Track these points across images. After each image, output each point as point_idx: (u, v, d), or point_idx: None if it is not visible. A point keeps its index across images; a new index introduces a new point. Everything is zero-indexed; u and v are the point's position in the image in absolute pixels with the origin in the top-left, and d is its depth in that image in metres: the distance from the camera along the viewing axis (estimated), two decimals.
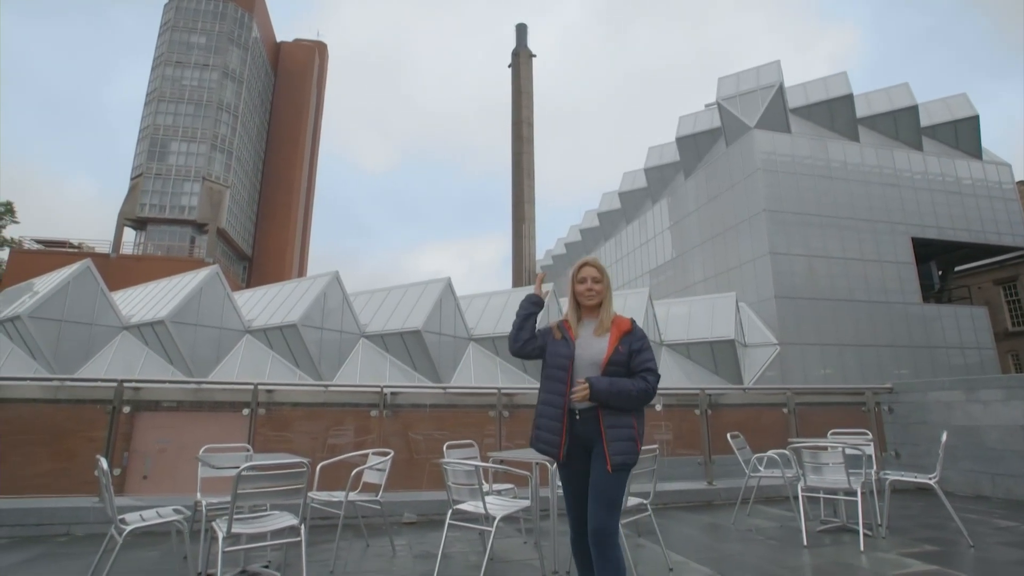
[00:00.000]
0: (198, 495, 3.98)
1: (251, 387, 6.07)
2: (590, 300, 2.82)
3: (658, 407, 7.21)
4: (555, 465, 2.79)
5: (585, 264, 2.88)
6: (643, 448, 2.82)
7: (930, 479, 4.73)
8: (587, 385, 2.61)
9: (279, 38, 73.63)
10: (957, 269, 32.87)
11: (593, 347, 2.73)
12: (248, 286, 52.58)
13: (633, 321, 2.83)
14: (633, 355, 2.71)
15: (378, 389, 6.48)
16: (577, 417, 2.70)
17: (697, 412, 7.17)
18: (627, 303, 22.35)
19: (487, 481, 4.53)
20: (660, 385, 2.78)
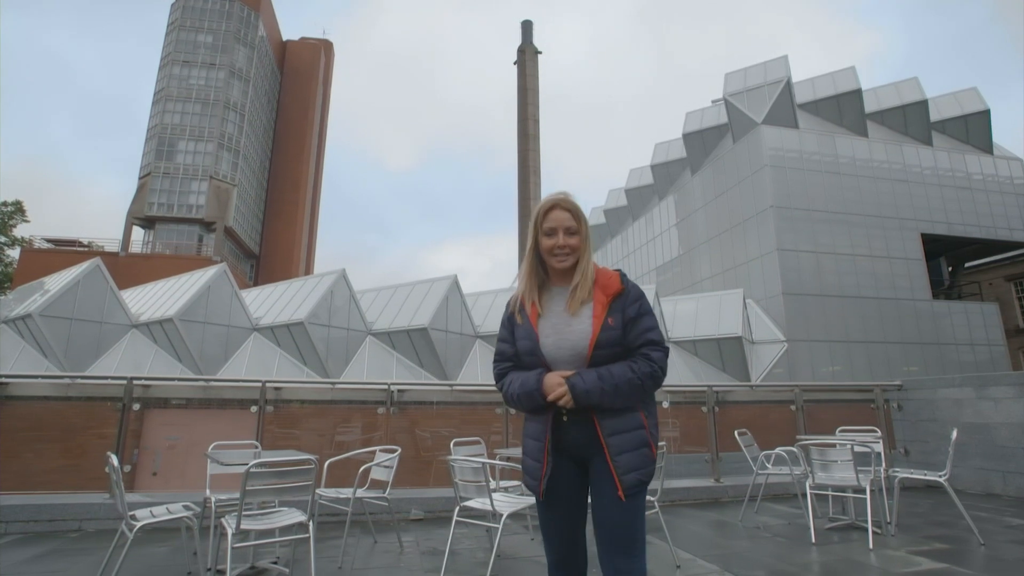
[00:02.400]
0: (207, 491, 4.01)
1: (259, 384, 6.11)
2: (562, 262, 1.94)
3: (665, 404, 7.20)
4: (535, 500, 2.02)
5: (555, 207, 1.94)
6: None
7: (940, 477, 4.70)
8: (566, 389, 1.81)
9: (298, 36, 74.27)
10: (967, 265, 32.52)
11: (570, 329, 1.90)
12: (255, 284, 52.90)
13: (622, 274, 1.97)
14: (629, 325, 1.89)
15: (385, 386, 6.50)
16: (564, 419, 1.91)
17: (704, 409, 7.16)
18: None
19: (494, 478, 4.54)
20: (665, 382, 2.08)
